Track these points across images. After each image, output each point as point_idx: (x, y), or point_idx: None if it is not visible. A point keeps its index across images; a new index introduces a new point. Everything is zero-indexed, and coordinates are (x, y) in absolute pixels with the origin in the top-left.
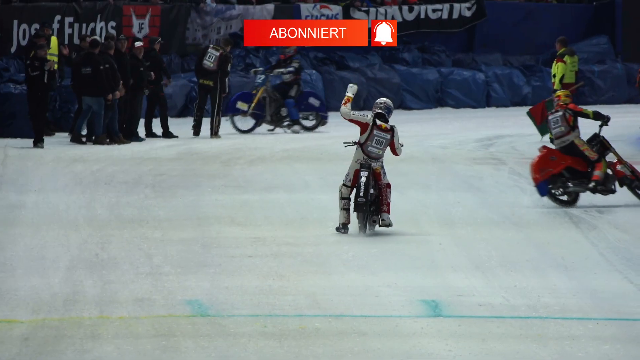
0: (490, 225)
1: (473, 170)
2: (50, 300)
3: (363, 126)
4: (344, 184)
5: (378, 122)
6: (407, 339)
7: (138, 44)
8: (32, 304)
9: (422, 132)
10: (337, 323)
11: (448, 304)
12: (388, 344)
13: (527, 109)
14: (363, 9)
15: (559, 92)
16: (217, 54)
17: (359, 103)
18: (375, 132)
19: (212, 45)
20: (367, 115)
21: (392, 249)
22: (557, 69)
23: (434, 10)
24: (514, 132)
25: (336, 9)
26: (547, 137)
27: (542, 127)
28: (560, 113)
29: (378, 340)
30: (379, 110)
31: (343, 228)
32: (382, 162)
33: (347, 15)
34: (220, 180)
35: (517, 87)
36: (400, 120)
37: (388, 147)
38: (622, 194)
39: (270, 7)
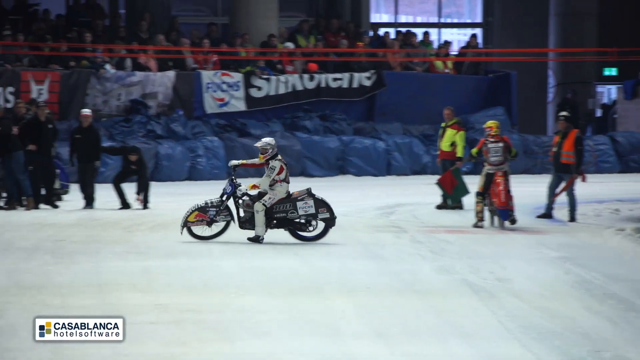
0: (392, 293)
1: (374, 238)
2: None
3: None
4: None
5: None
6: None
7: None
8: None
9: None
10: None
11: None
12: None
13: (427, 177)
14: (264, 77)
15: (490, 123)
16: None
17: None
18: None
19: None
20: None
21: (295, 316)
22: (459, 137)
23: (334, 79)
24: (414, 201)
25: (237, 76)
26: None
27: (454, 195)
28: (501, 144)
29: None
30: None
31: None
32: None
33: (248, 84)
34: (121, 247)
35: (417, 156)
36: (301, 187)
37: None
38: (522, 263)
39: (171, 74)
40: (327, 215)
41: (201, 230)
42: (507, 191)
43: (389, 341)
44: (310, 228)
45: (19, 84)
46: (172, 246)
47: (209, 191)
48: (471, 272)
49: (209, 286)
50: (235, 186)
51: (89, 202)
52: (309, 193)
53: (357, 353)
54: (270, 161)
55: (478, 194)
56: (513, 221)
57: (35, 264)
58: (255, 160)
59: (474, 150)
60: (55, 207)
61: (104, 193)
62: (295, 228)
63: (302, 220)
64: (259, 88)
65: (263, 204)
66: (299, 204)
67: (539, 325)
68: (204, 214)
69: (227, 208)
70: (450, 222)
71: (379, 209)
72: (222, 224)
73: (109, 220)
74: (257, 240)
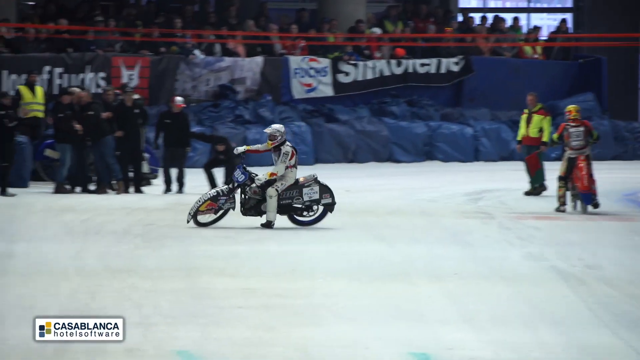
0: (479, 279)
1: (462, 224)
2: (39, 350)
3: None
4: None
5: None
6: None
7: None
8: (21, 354)
9: (411, 185)
10: None
11: (438, 357)
12: None
13: (514, 163)
14: (352, 62)
15: (569, 107)
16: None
17: (347, 155)
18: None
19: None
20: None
21: (382, 301)
22: (546, 122)
23: (422, 65)
24: (502, 187)
25: (325, 62)
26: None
27: (534, 178)
28: (582, 128)
29: None
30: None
31: None
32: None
33: (335, 69)
34: (210, 231)
35: (505, 142)
36: (388, 173)
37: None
38: (613, 250)
39: (260, 59)
40: (329, 200)
41: (206, 218)
42: (590, 175)
43: (476, 327)
44: (311, 213)
45: (110, 69)
46: (260, 231)
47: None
48: (560, 259)
49: (297, 271)
50: (249, 176)
51: (180, 186)
52: (315, 180)
53: (444, 339)
54: (281, 147)
55: (560, 178)
56: (596, 205)
57: (125, 248)
58: (260, 146)
59: (555, 136)
60: (140, 192)
61: (193, 177)
62: (296, 214)
63: (304, 206)
64: (347, 74)
65: (276, 189)
66: (305, 190)
67: (629, 312)
68: (214, 203)
69: (233, 196)
70: (538, 209)
71: (466, 195)
72: (223, 211)
73: None
74: (269, 226)
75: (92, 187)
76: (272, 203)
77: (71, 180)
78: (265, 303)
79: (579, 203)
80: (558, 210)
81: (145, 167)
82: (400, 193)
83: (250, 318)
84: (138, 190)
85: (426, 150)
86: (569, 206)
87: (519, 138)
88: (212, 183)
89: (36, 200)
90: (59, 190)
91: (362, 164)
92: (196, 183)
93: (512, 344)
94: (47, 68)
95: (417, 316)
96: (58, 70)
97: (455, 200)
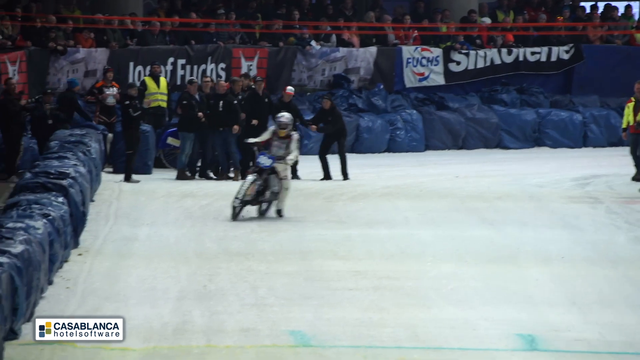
0: (587, 262)
1: (569, 209)
2: (160, 329)
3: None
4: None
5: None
6: None
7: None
8: (143, 333)
9: (520, 171)
10: (435, 355)
11: (544, 339)
12: None
13: (623, 149)
14: (463, 51)
15: None
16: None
17: (457, 142)
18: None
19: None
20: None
21: (490, 283)
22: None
23: (532, 53)
24: (610, 172)
25: (437, 51)
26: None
27: None
28: None
29: None
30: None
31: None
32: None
33: (447, 58)
34: (323, 216)
35: (614, 128)
36: (498, 159)
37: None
38: None
39: (373, 49)
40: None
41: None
42: None
43: (584, 310)
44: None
45: (231, 60)
46: (371, 215)
47: (406, 162)
48: None
49: (406, 254)
50: (274, 158)
51: (294, 173)
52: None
53: (551, 321)
54: (292, 134)
55: None
56: None
57: (242, 232)
58: (265, 136)
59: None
60: None
61: (307, 164)
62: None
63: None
64: (458, 63)
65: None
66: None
67: None
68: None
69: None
70: None
71: (574, 180)
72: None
73: (310, 190)
74: (281, 214)
75: (211, 174)
76: (287, 194)
77: (191, 167)
78: (376, 285)
79: None
80: None
81: None
82: (509, 179)
83: (361, 300)
84: None
85: (535, 137)
86: None
87: (624, 126)
88: (326, 169)
89: (158, 186)
90: (180, 176)
91: (471, 151)
92: (310, 170)
93: (618, 326)
94: (170, 60)
95: (524, 298)
96: (181, 61)
97: (563, 185)
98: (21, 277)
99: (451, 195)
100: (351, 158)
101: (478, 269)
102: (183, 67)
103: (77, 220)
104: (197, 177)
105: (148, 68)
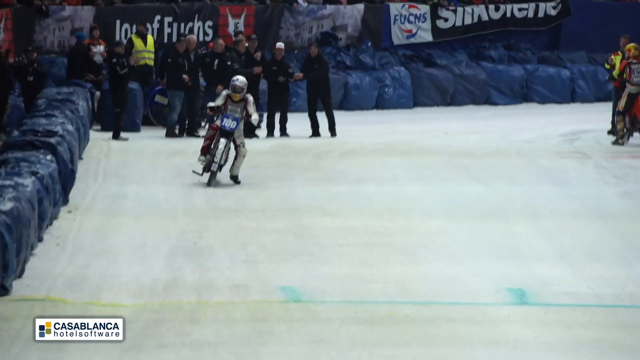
0: (575, 217)
1: (558, 164)
2: (151, 286)
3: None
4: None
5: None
6: (494, 325)
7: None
8: (134, 289)
9: (508, 127)
10: (426, 310)
11: (534, 293)
12: (475, 330)
13: (611, 104)
14: (451, 8)
15: (629, 46)
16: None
17: (446, 99)
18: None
19: None
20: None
21: (479, 239)
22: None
23: (519, 9)
24: (598, 127)
25: (424, 8)
26: None
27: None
28: None
29: (466, 327)
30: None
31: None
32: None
33: (434, 15)
34: (312, 173)
35: (601, 84)
36: (486, 115)
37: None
38: None
39: (361, 7)
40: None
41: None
42: None
43: (572, 264)
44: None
45: (218, 18)
46: (360, 172)
47: (395, 119)
48: None
49: (396, 210)
50: (238, 120)
51: (282, 131)
52: None
53: (539, 275)
54: (247, 97)
55: (619, 113)
56: None
57: (231, 189)
58: (219, 101)
59: (616, 72)
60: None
61: (295, 122)
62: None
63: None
64: (446, 19)
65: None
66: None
67: None
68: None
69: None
70: (633, 148)
71: (563, 136)
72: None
73: (300, 147)
74: (237, 180)
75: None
76: (243, 161)
77: (180, 124)
78: (365, 241)
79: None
80: (615, 143)
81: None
82: (497, 135)
83: (351, 256)
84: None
85: (523, 93)
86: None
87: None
88: (315, 126)
89: (147, 144)
90: (169, 134)
91: (459, 107)
92: (298, 127)
93: (606, 279)
94: (157, 17)
95: (513, 253)
96: (168, 19)
97: (551, 141)
98: (11, 234)
99: (440, 152)
100: (339, 115)
101: (467, 224)
102: (170, 24)
103: (66, 177)
104: (185, 134)
105: (135, 26)
